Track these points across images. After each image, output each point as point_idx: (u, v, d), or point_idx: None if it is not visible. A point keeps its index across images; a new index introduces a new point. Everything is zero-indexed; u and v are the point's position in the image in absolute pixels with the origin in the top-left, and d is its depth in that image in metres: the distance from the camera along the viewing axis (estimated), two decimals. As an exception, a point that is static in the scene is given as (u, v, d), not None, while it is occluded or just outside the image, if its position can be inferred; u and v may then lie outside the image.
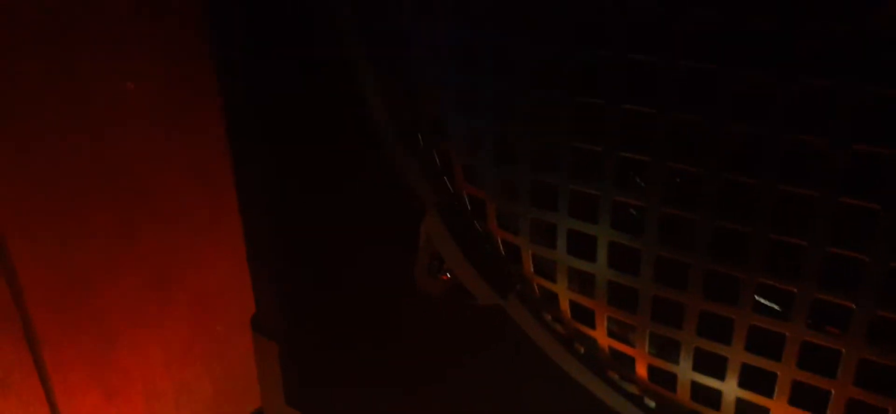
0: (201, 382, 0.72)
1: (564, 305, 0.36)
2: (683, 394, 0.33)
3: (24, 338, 0.58)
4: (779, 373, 0.30)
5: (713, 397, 0.33)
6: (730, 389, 0.31)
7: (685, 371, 0.32)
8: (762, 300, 0.30)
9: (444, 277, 0.43)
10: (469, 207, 0.38)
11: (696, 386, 0.33)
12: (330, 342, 0.49)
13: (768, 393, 0.30)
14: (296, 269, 0.47)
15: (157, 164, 0.61)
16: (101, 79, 0.55)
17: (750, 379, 0.31)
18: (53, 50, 0.52)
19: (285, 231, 0.46)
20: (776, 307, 0.30)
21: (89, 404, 0.64)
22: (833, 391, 0.28)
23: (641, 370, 0.34)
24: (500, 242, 0.37)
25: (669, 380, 0.34)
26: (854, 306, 0.26)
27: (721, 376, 0.31)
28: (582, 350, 0.38)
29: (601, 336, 0.35)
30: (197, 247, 0.67)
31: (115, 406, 0.66)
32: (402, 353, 0.50)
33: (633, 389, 0.37)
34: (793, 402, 0.30)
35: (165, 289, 0.66)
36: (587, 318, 0.35)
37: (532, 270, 0.36)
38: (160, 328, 0.67)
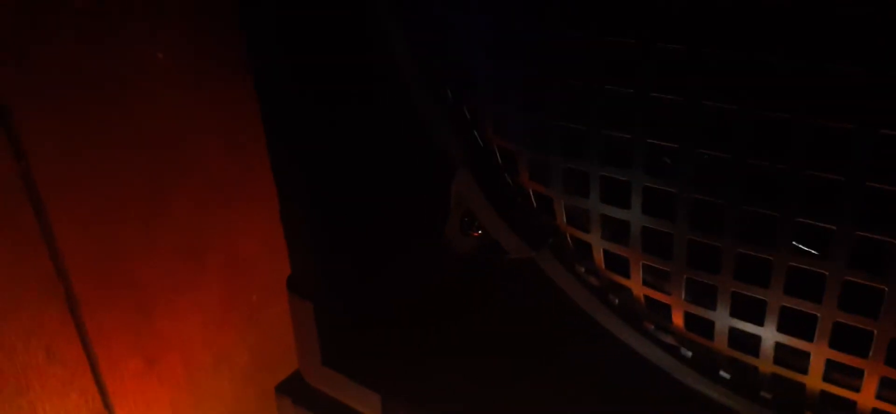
0: (238, 350, 0.74)
1: (598, 256, 0.36)
2: (721, 341, 0.33)
3: (66, 305, 0.59)
4: (820, 314, 0.29)
5: (751, 344, 0.32)
6: (769, 334, 0.31)
7: (722, 318, 0.32)
8: (802, 246, 0.30)
9: (476, 234, 0.43)
10: (500, 161, 0.38)
11: (733, 333, 0.33)
12: (366, 301, 0.50)
13: (808, 337, 0.30)
14: (331, 227, 0.47)
15: (187, 132, 0.62)
16: (132, 48, 0.56)
17: (789, 324, 0.31)
18: (86, 20, 0.52)
19: (319, 189, 0.46)
20: (814, 252, 0.29)
21: (131, 371, 0.66)
22: (875, 331, 0.28)
23: (678, 319, 0.34)
24: (531, 194, 0.37)
25: (706, 328, 0.33)
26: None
27: (759, 321, 0.31)
28: (616, 302, 0.38)
29: (636, 285, 0.35)
30: (229, 215, 0.67)
31: (157, 373, 0.68)
32: (442, 312, 0.50)
33: (669, 339, 0.37)
34: (834, 345, 0.30)
35: (200, 256, 0.67)
36: (621, 267, 0.35)
37: (565, 220, 0.36)
38: (196, 295, 0.68)
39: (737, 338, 0.33)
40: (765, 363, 0.32)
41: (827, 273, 0.28)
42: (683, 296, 0.33)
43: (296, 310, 0.50)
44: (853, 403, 0.31)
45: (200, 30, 0.59)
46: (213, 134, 0.64)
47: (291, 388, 0.55)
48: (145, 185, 0.61)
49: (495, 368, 0.46)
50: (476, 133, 0.38)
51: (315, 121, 0.45)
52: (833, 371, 0.31)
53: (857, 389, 0.30)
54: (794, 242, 0.29)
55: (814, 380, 0.31)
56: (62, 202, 0.56)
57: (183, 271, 0.66)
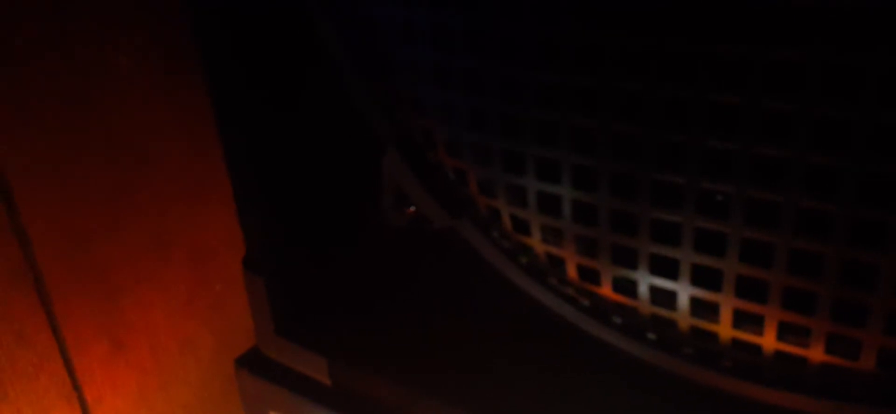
0: (203, 336, 0.77)
1: (506, 220, 0.41)
2: (607, 288, 0.38)
3: (35, 291, 0.62)
4: (680, 258, 0.35)
5: (630, 288, 0.38)
6: (643, 277, 0.36)
7: (606, 266, 0.37)
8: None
9: (410, 211, 0.48)
10: (421, 140, 0.43)
11: (617, 281, 0.38)
12: (314, 275, 0.54)
13: (673, 276, 0.35)
14: (280, 210, 0.52)
15: (152, 132, 0.66)
16: (95, 48, 0.60)
17: (661, 267, 0.36)
18: (49, 18, 0.56)
19: (268, 177, 0.51)
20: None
21: (99, 355, 0.69)
22: (771, 280, 0.32)
23: (572, 271, 0.39)
24: (449, 169, 0.42)
25: (596, 277, 0.39)
26: (782, 199, 0.30)
27: (634, 267, 0.36)
28: (524, 261, 0.43)
29: (537, 244, 0.40)
30: (192, 210, 0.71)
31: (124, 357, 0.71)
32: (383, 283, 0.55)
33: (569, 291, 0.42)
34: (697, 282, 0.35)
35: (164, 248, 0.70)
36: (525, 229, 0.40)
37: (477, 190, 0.41)
38: (161, 284, 0.71)
39: (621, 285, 0.38)
40: (644, 305, 0.38)
41: (681, 219, 0.33)
42: (575, 250, 0.38)
43: (251, 286, 0.55)
44: (715, 335, 0.37)
45: (164, 36, 0.64)
46: (176, 134, 0.67)
47: (249, 360, 0.59)
48: (111, 181, 0.64)
49: (431, 330, 0.51)
50: (401, 118, 0.43)
51: (264, 116, 0.49)
52: (700, 309, 0.36)
53: (716, 322, 0.36)
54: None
55: (683, 317, 0.37)
56: (31, 196, 0.59)
57: (148, 262, 0.70)
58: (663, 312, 0.37)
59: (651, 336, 0.40)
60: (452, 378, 0.47)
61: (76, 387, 0.68)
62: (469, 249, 0.45)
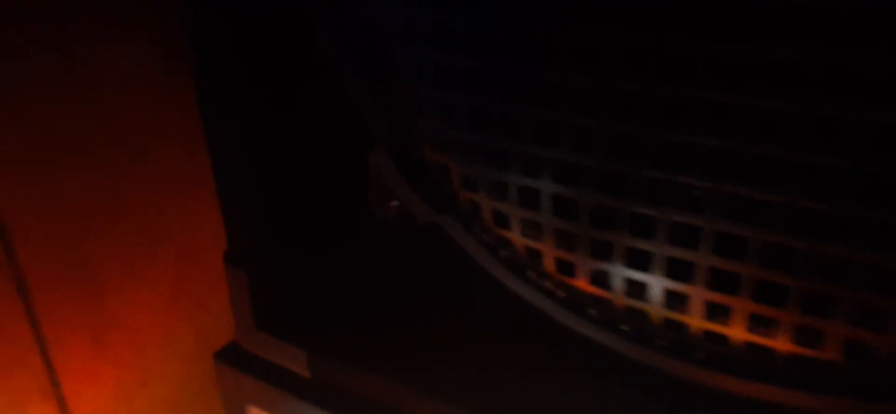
0: (186, 332, 0.77)
1: (487, 214, 0.42)
2: (583, 280, 0.39)
3: (14, 286, 0.62)
4: (655, 251, 0.36)
5: (605, 280, 0.39)
6: (617, 270, 0.37)
7: (583, 260, 0.38)
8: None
9: (392, 205, 0.49)
10: (407, 136, 0.44)
11: (593, 274, 0.39)
12: (295, 270, 0.55)
13: (645, 268, 0.36)
14: (261, 204, 0.53)
15: (151, 129, 0.66)
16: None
17: (634, 260, 0.37)
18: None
19: (251, 171, 0.52)
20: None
21: (79, 350, 0.69)
22: (741, 273, 0.34)
23: (549, 265, 0.40)
24: (432, 164, 0.43)
25: (572, 270, 0.40)
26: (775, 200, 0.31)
27: (609, 259, 0.37)
28: (504, 255, 0.44)
29: (516, 237, 0.41)
30: (183, 209, 0.71)
31: (104, 352, 0.71)
32: (364, 277, 0.56)
33: (547, 284, 0.43)
34: (671, 275, 0.36)
35: (153, 245, 0.70)
36: (505, 223, 0.41)
37: (459, 185, 0.42)
38: (147, 280, 0.71)
39: (596, 278, 0.39)
40: (618, 298, 0.39)
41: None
42: (553, 244, 0.39)
43: (232, 280, 0.55)
44: (685, 326, 0.38)
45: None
46: (176, 133, 0.68)
47: (228, 354, 0.59)
48: (110, 180, 0.64)
49: (414, 325, 0.52)
50: (391, 114, 0.44)
51: (253, 112, 0.50)
52: (675, 301, 0.37)
53: (686, 313, 0.37)
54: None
55: (656, 309, 0.38)
56: (11, 180, 0.59)
57: (136, 257, 0.69)
58: (637, 304, 0.38)
59: (625, 328, 0.41)
60: (436, 373, 0.48)
61: (54, 382, 0.68)
62: (453, 243, 0.46)
